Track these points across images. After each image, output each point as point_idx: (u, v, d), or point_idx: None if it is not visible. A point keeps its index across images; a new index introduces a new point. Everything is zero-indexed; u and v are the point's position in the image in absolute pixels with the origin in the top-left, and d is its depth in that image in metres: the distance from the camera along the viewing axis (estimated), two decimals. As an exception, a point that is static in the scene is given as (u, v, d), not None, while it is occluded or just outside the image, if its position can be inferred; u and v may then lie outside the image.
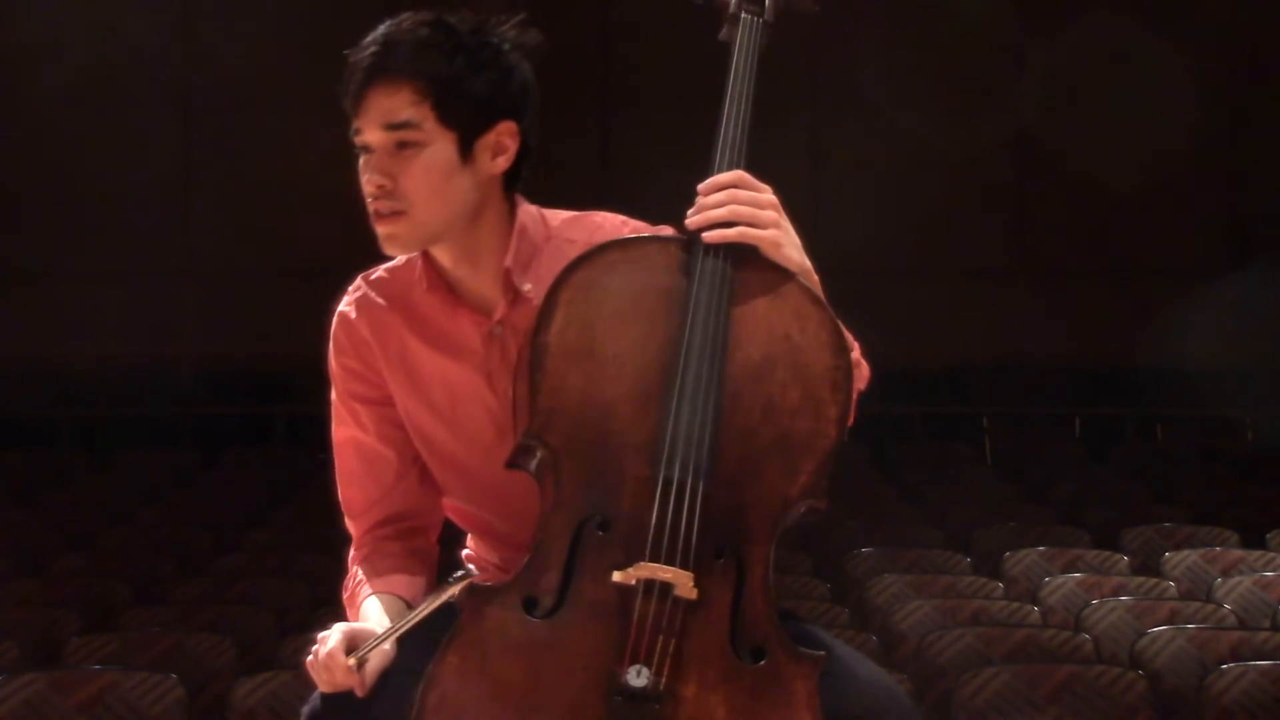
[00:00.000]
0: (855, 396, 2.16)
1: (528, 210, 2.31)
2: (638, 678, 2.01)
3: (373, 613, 2.25)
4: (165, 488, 8.52)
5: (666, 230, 2.25)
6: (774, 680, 2.05)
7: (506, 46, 2.24)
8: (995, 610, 5.48)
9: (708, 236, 2.14)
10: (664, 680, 2.02)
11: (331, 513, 2.42)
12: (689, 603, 2.03)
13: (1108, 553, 6.52)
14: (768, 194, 2.17)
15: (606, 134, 10.87)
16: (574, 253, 2.18)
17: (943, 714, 4.55)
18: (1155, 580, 6.00)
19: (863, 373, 2.19)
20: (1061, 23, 10.38)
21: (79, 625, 5.31)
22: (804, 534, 6.94)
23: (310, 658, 2.11)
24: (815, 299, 2.16)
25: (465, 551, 2.46)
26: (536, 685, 2.02)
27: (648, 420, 2.09)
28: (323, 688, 2.12)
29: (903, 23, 10.43)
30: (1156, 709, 4.52)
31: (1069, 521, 7.49)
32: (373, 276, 2.36)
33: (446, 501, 2.40)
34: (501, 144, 2.23)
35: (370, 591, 2.29)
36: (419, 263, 2.30)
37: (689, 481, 2.06)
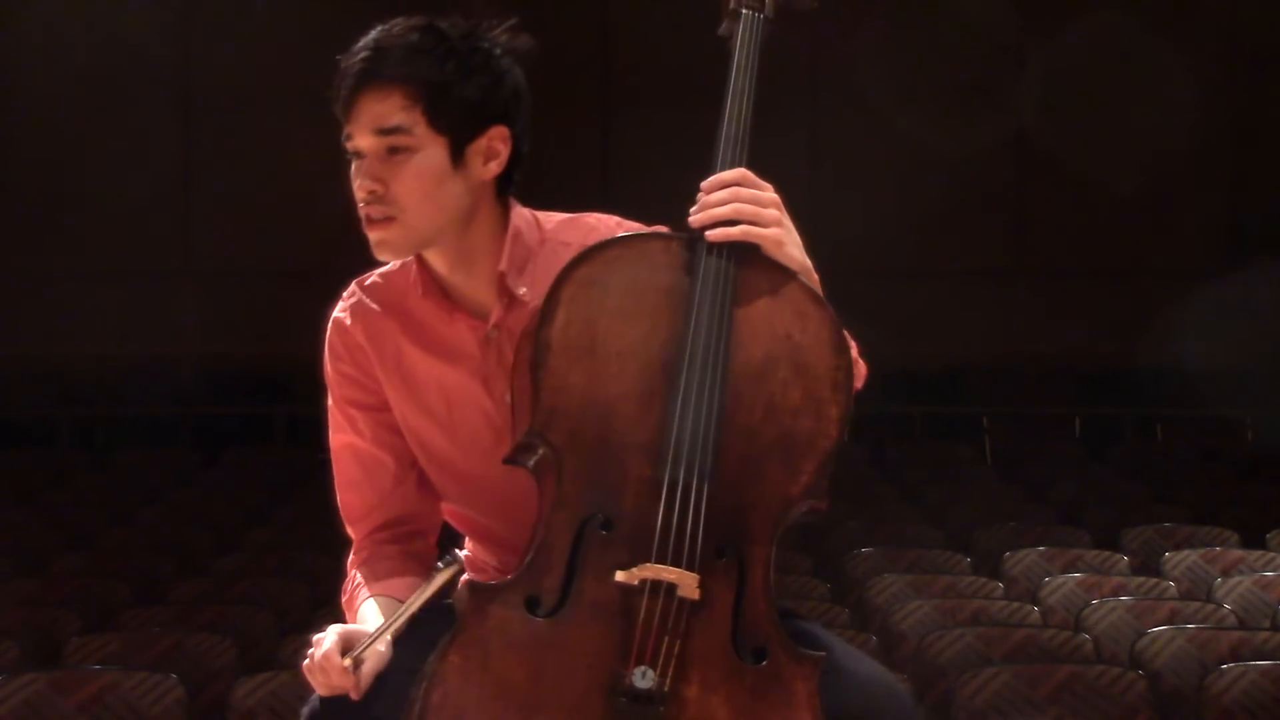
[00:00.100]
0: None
1: (521, 213, 2.31)
2: (643, 679, 2.01)
3: (370, 615, 2.25)
4: (165, 488, 8.52)
5: (662, 230, 2.24)
6: (775, 681, 2.06)
7: (498, 51, 2.23)
8: (995, 610, 5.48)
9: (711, 235, 2.14)
10: (668, 682, 2.02)
11: (331, 513, 2.42)
12: (692, 603, 2.03)
13: (1108, 553, 6.52)
14: (770, 192, 2.17)
15: (606, 134, 10.88)
16: (568, 255, 2.18)
17: (943, 714, 4.55)
18: (1155, 580, 6.00)
19: (860, 371, 2.19)
20: (1061, 23, 10.38)
21: (79, 625, 5.31)
22: (804, 534, 6.94)
23: (306, 661, 2.11)
24: (817, 298, 2.16)
25: (463, 553, 2.45)
26: (539, 685, 2.02)
27: (650, 419, 2.09)
28: (320, 691, 2.12)
29: (903, 22, 10.43)
30: (1156, 709, 4.52)
31: (1069, 521, 7.49)
32: (367, 282, 2.36)
33: (445, 506, 2.40)
34: (493, 149, 2.22)
35: (368, 595, 2.29)
36: (413, 268, 2.29)
37: (694, 483, 2.06)
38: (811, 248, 2.19)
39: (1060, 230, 10.82)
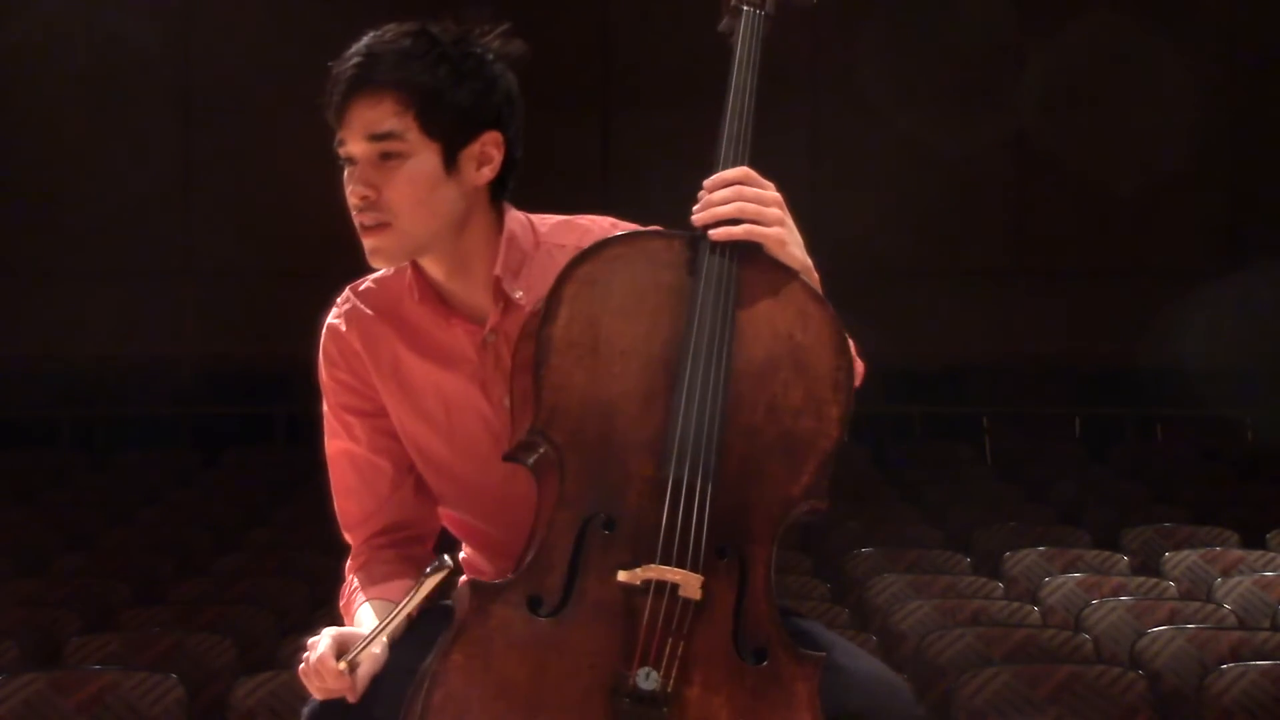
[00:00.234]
0: None
1: (515, 217, 2.30)
2: (646, 680, 2.00)
3: (366, 619, 2.24)
4: (165, 488, 8.52)
5: (664, 229, 2.24)
6: (776, 681, 2.05)
7: (490, 57, 2.22)
8: (995, 610, 5.48)
9: (714, 234, 2.14)
10: (671, 683, 2.01)
11: (331, 513, 2.42)
12: (695, 604, 2.03)
13: (1108, 553, 6.53)
14: (773, 191, 2.17)
15: (606, 134, 10.88)
16: (564, 257, 2.17)
17: (943, 714, 4.55)
18: (1155, 580, 6.01)
19: (857, 370, 2.19)
20: (1061, 23, 10.38)
21: (79, 625, 5.31)
22: (804, 534, 6.95)
23: (301, 666, 2.11)
24: (818, 298, 2.16)
25: (461, 555, 2.45)
26: (541, 685, 2.01)
27: (653, 418, 2.09)
28: (315, 695, 2.11)
29: (903, 22, 10.43)
30: (1156, 709, 4.53)
31: (1069, 521, 7.49)
32: (361, 288, 2.35)
33: (442, 510, 2.39)
34: (486, 154, 2.22)
35: (365, 599, 2.29)
36: (408, 273, 2.29)
37: (697, 483, 2.05)
38: (812, 247, 2.19)
39: (1060, 230, 10.82)
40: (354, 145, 2.18)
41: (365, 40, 2.20)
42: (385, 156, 2.17)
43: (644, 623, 2.02)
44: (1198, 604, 5.50)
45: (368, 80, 2.16)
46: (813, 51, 10.09)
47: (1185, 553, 6.43)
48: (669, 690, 2.01)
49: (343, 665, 2.07)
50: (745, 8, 2.29)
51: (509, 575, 2.09)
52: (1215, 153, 10.71)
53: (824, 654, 2.10)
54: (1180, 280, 10.18)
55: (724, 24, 2.32)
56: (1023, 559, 6.36)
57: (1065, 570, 6.16)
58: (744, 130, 2.22)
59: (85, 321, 10.29)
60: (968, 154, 10.38)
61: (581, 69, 10.55)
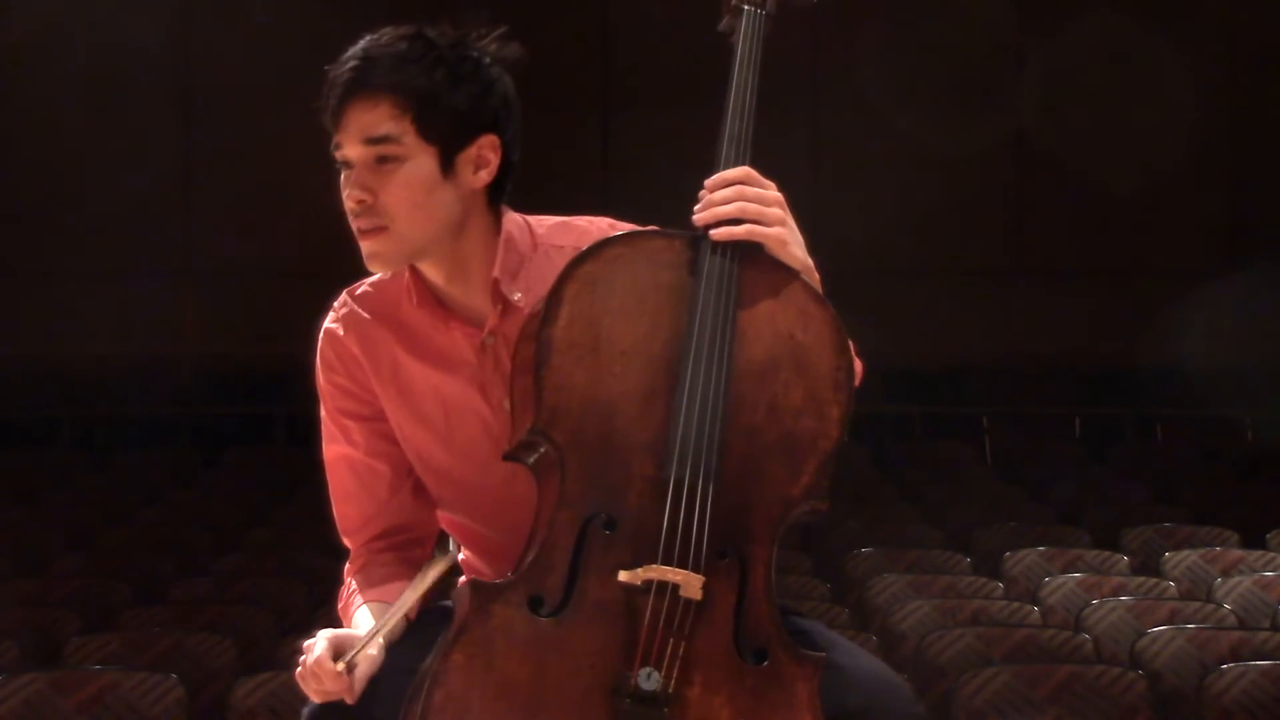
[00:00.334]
0: None
1: (513, 219, 2.30)
2: (648, 680, 2.00)
3: (364, 621, 2.24)
4: (165, 488, 8.52)
5: (665, 228, 2.24)
6: (776, 681, 2.05)
7: (487, 60, 2.22)
8: (995, 610, 5.48)
9: (715, 234, 2.13)
10: (672, 683, 2.01)
11: (331, 513, 2.42)
12: (696, 604, 2.03)
13: (1108, 553, 6.53)
14: (774, 191, 2.17)
15: (606, 134, 10.88)
16: (562, 259, 2.17)
17: (943, 714, 4.55)
18: (1155, 580, 6.01)
19: (857, 369, 2.19)
20: (1061, 23, 10.38)
21: (79, 625, 5.31)
22: (804, 534, 6.95)
23: (299, 669, 2.10)
24: (819, 298, 2.16)
25: (460, 557, 2.45)
26: (542, 685, 2.01)
27: (654, 418, 2.08)
28: (313, 698, 2.11)
29: (903, 22, 10.43)
30: (1156, 709, 4.53)
31: (1069, 521, 7.49)
32: (358, 291, 2.35)
33: (441, 514, 2.39)
34: (483, 158, 2.22)
35: (363, 601, 2.29)
36: (406, 276, 2.28)
37: (699, 483, 2.05)
38: (812, 247, 2.19)
39: (1060, 230, 10.82)
40: (350, 149, 2.18)
41: (361, 44, 2.20)
42: (382, 160, 2.17)
43: (645, 623, 2.02)
44: (1198, 604, 5.50)
45: (364, 84, 2.16)
46: (813, 51, 10.09)
47: (1185, 553, 6.43)
48: (670, 690, 2.01)
49: (340, 666, 2.06)
50: (746, 7, 2.28)
51: (509, 575, 2.08)
52: (1215, 153, 10.71)
53: (824, 654, 2.10)
54: (1180, 280, 10.18)
55: (724, 23, 2.32)
56: (1023, 559, 6.36)
57: (1065, 570, 6.16)
58: (745, 130, 2.21)
59: (85, 321, 10.29)
60: (968, 154, 10.38)
61: (581, 69, 10.55)
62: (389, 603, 2.26)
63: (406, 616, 2.24)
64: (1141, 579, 6.02)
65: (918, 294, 10.58)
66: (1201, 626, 5.17)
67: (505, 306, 2.25)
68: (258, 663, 4.92)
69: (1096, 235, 10.72)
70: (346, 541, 2.40)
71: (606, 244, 2.15)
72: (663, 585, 2.03)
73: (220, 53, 10.45)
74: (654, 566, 2.03)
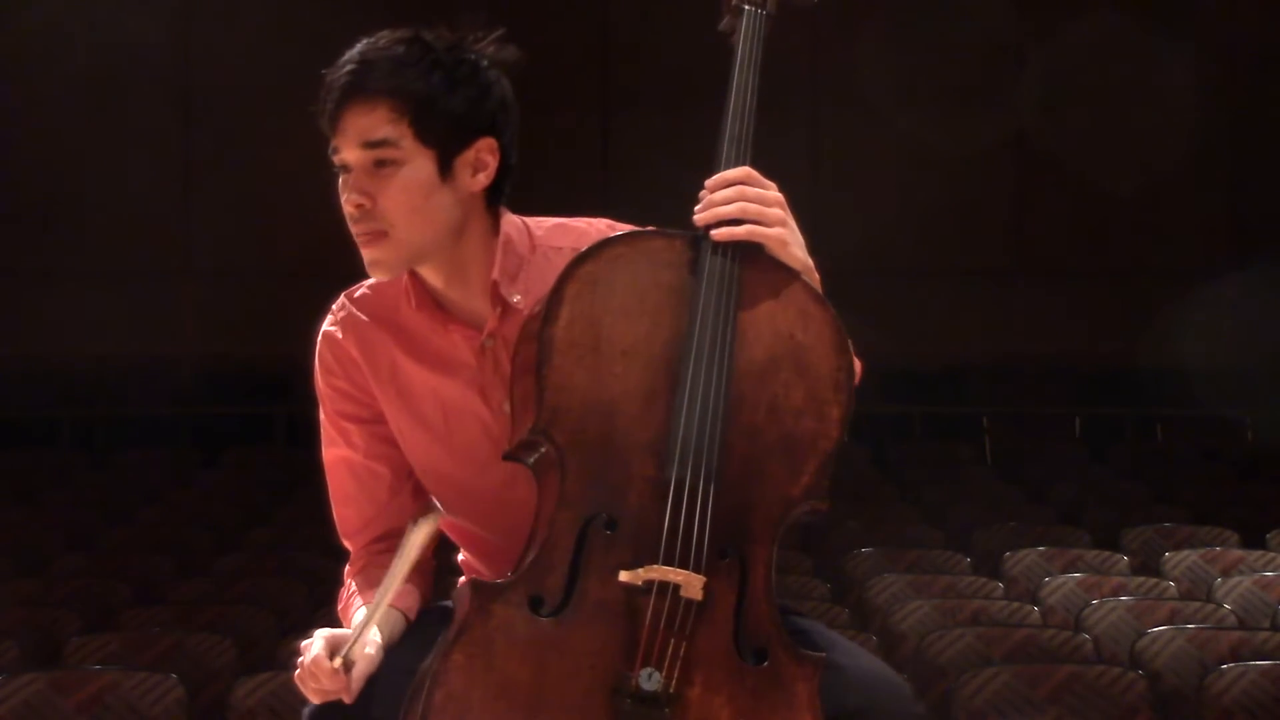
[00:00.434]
0: None
1: (511, 221, 2.29)
2: (649, 681, 2.01)
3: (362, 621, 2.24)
4: (165, 488, 8.52)
5: (666, 229, 2.24)
6: (776, 682, 2.06)
7: (484, 63, 2.22)
8: (995, 610, 5.48)
9: (716, 234, 2.14)
10: (673, 683, 2.01)
11: (331, 513, 2.42)
12: (697, 605, 2.03)
13: (1108, 553, 6.53)
14: (774, 191, 2.17)
15: (606, 134, 10.88)
16: (561, 260, 2.17)
17: (943, 714, 4.55)
18: (1155, 580, 6.01)
19: (856, 369, 2.19)
20: (1061, 23, 10.38)
21: (79, 625, 5.31)
22: (804, 534, 6.95)
23: (298, 670, 2.10)
24: (819, 299, 2.16)
25: (459, 558, 2.45)
26: (542, 685, 2.01)
27: (654, 418, 2.08)
28: (312, 698, 2.11)
29: (903, 22, 10.43)
30: (1156, 709, 4.52)
31: (1069, 521, 7.49)
32: (356, 294, 2.34)
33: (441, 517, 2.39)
34: (481, 161, 2.21)
35: (362, 603, 2.28)
36: (404, 279, 2.28)
37: (699, 484, 2.05)
38: (812, 247, 2.19)
39: (1060, 230, 10.82)
40: (348, 153, 2.17)
41: (358, 47, 2.20)
42: (380, 164, 2.16)
43: (646, 623, 2.02)
44: (1198, 604, 5.50)
45: (361, 88, 2.15)
46: (813, 51, 10.09)
47: (1185, 553, 6.43)
48: (671, 691, 2.01)
49: (337, 663, 2.06)
50: (747, 7, 2.28)
51: (510, 575, 2.08)
52: (1215, 153, 10.71)
53: (824, 654, 2.10)
54: (1180, 280, 10.18)
55: (725, 23, 2.32)
56: (1023, 559, 6.36)
57: (1065, 570, 6.16)
58: (745, 130, 2.21)
59: (85, 321, 10.29)
60: (968, 154, 10.38)
61: (581, 69, 10.55)
62: (390, 604, 2.25)
63: (406, 618, 2.24)
64: (1141, 579, 6.02)
65: (918, 294, 10.58)
66: (1201, 626, 5.17)
67: (504, 309, 2.24)
68: (258, 663, 4.92)
69: (1096, 235, 10.72)
70: (346, 544, 2.40)
71: (607, 244, 2.15)
72: (664, 585, 2.03)
73: (220, 53, 10.45)
74: (655, 567, 2.03)
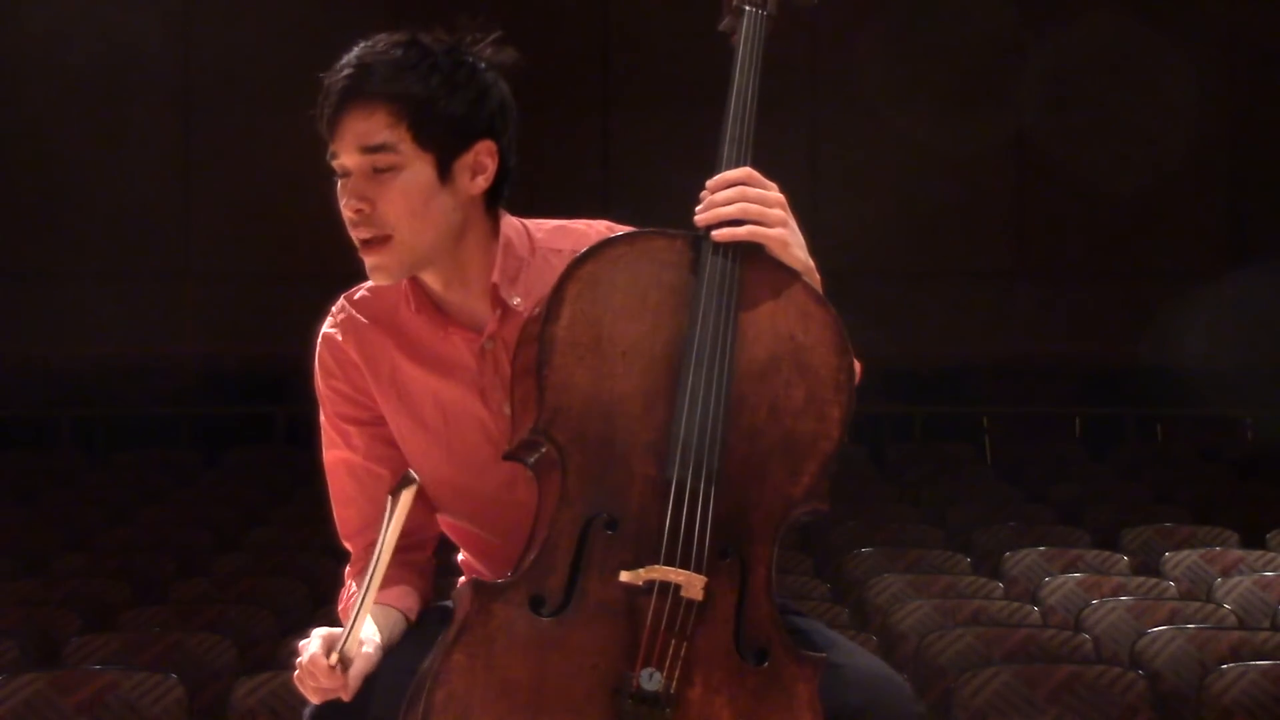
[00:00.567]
0: None
1: (511, 223, 2.29)
2: (650, 681, 2.01)
3: (364, 622, 2.23)
4: (165, 488, 8.52)
5: (667, 229, 2.24)
6: (777, 682, 2.06)
7: (482, 66, 2.21)
8: (995, 610, 5.48)
9: (716, 235, 2.13)
10: (674, 683, 2.01)
11: (331, 513, 2.42)
12: (698, 605, 2.03)
13: (1108, 553, 6.52)
14: (775, 192, 2.17)
15: (606, 134, 10.88)
16: (560, 262, 2.17)
17: (943, 714, 4.55)
18: (1155, 580, 6.00)
19: (856, 369, 2.19)
20: (1062, 24, 10.38)
21: (79, 625, 5.31)
22: (804, 534, 6.95)
23: (297, 672, 2.10)
24: (820, 300, 2.16)
25: (459, 558, 2.45)
26: (543, 685, 2.01)
27: (655, 419, 2.08)
28: (312, 698, 2.11)
29: (903, 22, 10.44)
30: (1156, 709, 4.52)
31: (1069, 521, 7.49)
32: (356, 296, 2.34)
33: (441, 517, 2.38)
34: (480, 163, 2.21)
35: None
36: (404, 282, 2.27)
37: (700, 484, 2.05)
38: (812, 248, 2.19)
39: (1060, 231, 10.82)
40: (347, 157, 2.17)
41: (356, 51, 2.19)
42: (379, 169, 2.16)
43: (647, 623, 2.02)
44: (1198, 604, 5.50)
45: (359, 92, 2.15)
46: (813, 51, 10.09)
47: (1185, 553, 6.43)
48: (672, 691, 2.01)
49: (333, 659, 2.06)
50: (747, 8, 2.28)
51: (510, 575, 2.08)
52: (1215, 153, 10.71)
53: (825, 655, 2.10)
54: (1180, 280, 10.18)
55: (725, 24, 2.32)
56: (1023, 559, 6.35)
57: (1065, 570, 6.15)
58: (746, 130, 2.21)
59: (85, 321, 10.29)
60: (968, 155, 10.39)
61: (581, 69, 10.55)
62: (390, 605, 2.26)
63: (407, 618, 2.24)
64: (1141, 579, 6.02)
65: (918, 294, 10.58)
66: (1201, 626, 5.17)
67: (504, 311, 2.24)
68: (258, 663, 4.92)
69: (1096, 236, 10.73)
70: (347, 544, 2.40)
71: (608, 244, 2.15)
72: (664, 585, 2.03)
73: (220, 53, 10.45)
74: (656, 567, 2.03)
